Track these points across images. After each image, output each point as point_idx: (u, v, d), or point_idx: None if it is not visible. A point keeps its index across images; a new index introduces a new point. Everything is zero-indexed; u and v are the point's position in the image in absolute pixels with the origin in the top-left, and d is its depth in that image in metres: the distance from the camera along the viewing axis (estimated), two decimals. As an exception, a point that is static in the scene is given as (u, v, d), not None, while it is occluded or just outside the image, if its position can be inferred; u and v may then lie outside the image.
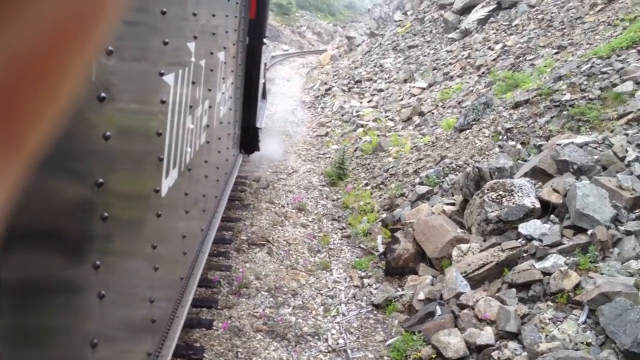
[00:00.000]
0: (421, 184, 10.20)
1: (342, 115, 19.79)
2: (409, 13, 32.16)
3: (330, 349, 6.68)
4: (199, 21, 4.10)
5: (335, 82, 25.65)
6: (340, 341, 6.84)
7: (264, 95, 14.11)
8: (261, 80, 11.51)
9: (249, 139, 10.29)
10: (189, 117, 4.01)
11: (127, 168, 2.69)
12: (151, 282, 3.39)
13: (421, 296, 7.20)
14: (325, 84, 26.51)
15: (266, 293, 7.62)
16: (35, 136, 0.36)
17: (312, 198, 11.90)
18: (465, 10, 23.33)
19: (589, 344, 5.57)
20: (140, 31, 2.64)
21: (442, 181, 10.00)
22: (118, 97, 2.30)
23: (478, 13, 21.91)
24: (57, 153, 1.69)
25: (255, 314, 7.07)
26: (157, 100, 3.04)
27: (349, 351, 6.65)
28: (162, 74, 3.03)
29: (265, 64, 13.91)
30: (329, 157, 15.16)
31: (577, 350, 5.50)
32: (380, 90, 21.69)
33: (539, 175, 8.14)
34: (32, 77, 0.35)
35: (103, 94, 2.05)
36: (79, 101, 1.81)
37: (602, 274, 6.23)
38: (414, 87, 19.56)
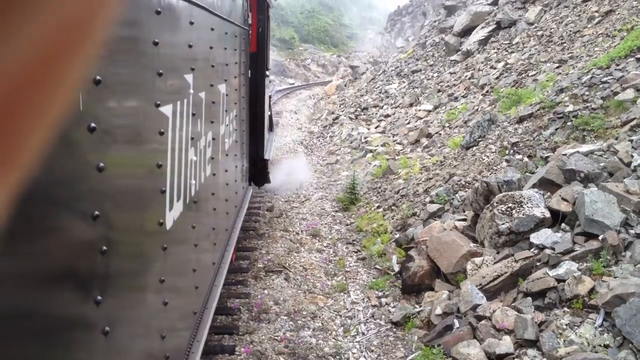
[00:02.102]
0: (432, 202, 10.34)
1: (351, 143, 20.02)
2: (410, 39, 32.66)
3: (352, 367, 6.77)
4: (195, 53, 4.10)
5: (342, 111, 25.94)
6: (362, 359, 6.93)
7: (271, 128, 14.27)
8: (267, 112, 11.62)
9: (258, 171, 10.37)
10: (192, 149, 3.99)
11: (125, 200, 2.62)
12: (161, 317, 3.29)
13: (438, 311, 7.29)
14: (333, 113, 26.81)
15: (285, 317, 7.73)
16: (20, 161, 0.36)
17: (325, 224, 12.04)
18: (466, 32, 23.66)
19: (606, 346, 5.63)
20: (131, 61, 2.61)
21: (452, 198, 10.13)
22: (110, 128, 2.25)
23: (478, 34, 22.21)
24: (48, 183, 1.67)
25: (276, 337, 7.18)
26: (154, 131, 3.01)
27: (370, 369, 6.74)
28: (158, 105, 3.00)
29: (270, 96, 14.13)
30: (340, 184, 15.34)
31: (596, 353, 5.57)
32: (387, 116, 21.94)
33: (547, 185, 8.25)
34: (18, 104, 0.35)
35: (93, 124, 2.00)
36: (67, 131, 1.81)
37: (615, 277, 6.30)
38: (420, 110, 19.81)
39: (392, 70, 27.92)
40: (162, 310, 3.28)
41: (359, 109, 24.84)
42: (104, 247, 2.17)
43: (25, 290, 1.61)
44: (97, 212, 2.07)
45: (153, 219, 3.08)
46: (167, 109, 3.20)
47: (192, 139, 3.97)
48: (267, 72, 10.51)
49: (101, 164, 2.10)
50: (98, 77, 2.02)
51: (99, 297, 2.11)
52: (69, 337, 1.98)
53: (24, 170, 0.36)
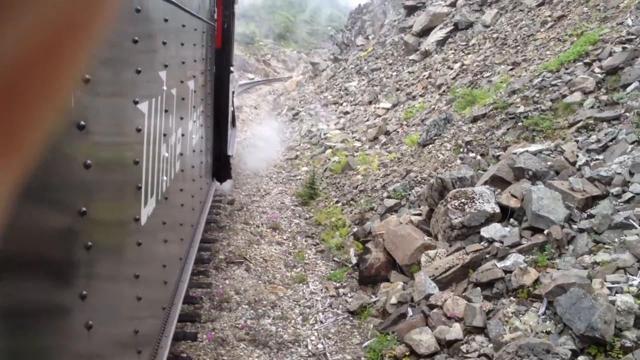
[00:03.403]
0: (389, 197, 10.70)
1: (311, 139, 20.31)
2: (370, 37, 32.96)
3: (310, 353, 7.07)
4: (168, 50, 4.11)
5: (302, 107, 26.19)
6: (320, 346, 7.23)
7: (233, 123, 14.36)
8: (230, 108, 11.71)
9: (220, 167, 10.38)
10: (164, 145, 4.01)
11: (108, 197, 2.67)
12: (135, 313, 3.35)
13: (393, 300, 7.63)
14: (293, 109, 27.04)
15: (246, 306, 7.98)
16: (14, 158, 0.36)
17: (285, 217, 12.31)
18: (424, 33, 24.10)
19: (548, 332, 6.03)
20: (115, 59, 2.63)
21: (409, 194, 10.50)
22: (97, 125, 2.28)
23: (436, 35, 22.68)
24: (39, 182, 1.70)
25: (237, 325, 7.42)
26: (133, 128, 3.04)
27: (328, 355, 7.03)
28: (136, 102, 3.04)
29: (233, 92, 14.20)
30: (300, 179, 15.63)
31: (539, 338, 5.96)
32: (347, 113, 22.27)
33: (497, 182, 8.67)
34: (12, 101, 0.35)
35: (82, 122, 2.02)
36: (60, 129, 1.82)
37: (558, 269, 6.71)
38: (378, 108, 20.18)
39: (352, 68, 28.28)
40: (136, 305, 3.32)
41: (318, 106, 25.14)
42: (89, 243, 2.20)
43: (18, 282, 1.64)
44: (84, 209, 2.12)
45: (131, 215, 3.12)
46: (143, 106, 3.24)
47: (164, 135, 4.01)
48: (232, 68, 10.62)
49: (88, 161, 2.14)
50: (87, 76, 2.04)
51: (84, 292, 2.15)
52: (53, 329, 2.01)
53: (20, 168, 0.36)
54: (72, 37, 0.38)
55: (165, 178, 4.15)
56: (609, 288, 6.04)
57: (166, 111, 4.05)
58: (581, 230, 7.15)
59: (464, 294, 7.14)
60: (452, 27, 22.23)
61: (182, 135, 5.14)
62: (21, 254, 1.64)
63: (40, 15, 0.36)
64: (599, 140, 8.67)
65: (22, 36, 0.35)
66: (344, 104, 23.86)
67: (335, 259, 9.85)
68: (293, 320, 7.81)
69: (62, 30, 0.37)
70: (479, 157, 10.41)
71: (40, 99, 0.37)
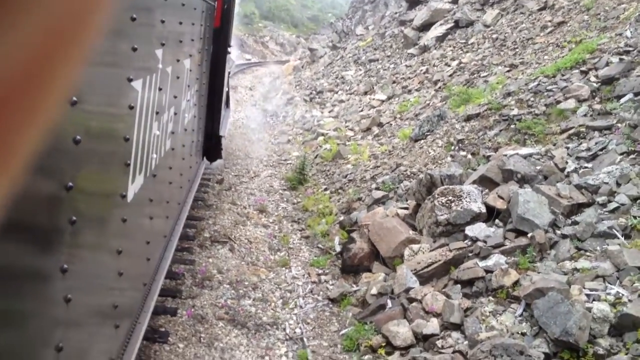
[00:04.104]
0: (377, 189, 10.75)
1: (304, 124, 20.32)
2: (370, 28, 32.93)
3: (287, 337, 7.13)
4: (166, 28, 4.12)
5: (298, 92, 26.20)
6: (297, 330, 7.30)
7: (227, 104, 14.33)
8: (225, 89, 11.66)
9: (212, 147, 10.39)
10: (156, 123, 4.02)
11: (95, 173, 2.68)
12: (116, 288, 3.37)
13: (374, 291, 7.70)
14: (288, 93, 27.01)
15: (228, 286, 8.02)
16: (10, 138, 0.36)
17: (273, 201, 12.34)
18: (425, 28, 24.11)
19: (523, 334, 6.12)
20: (110, 36, 2.61)
21: (397, 187, 10.55)
22: (88, 102, 2.28)
23: (437, 30, 22.69)
24: (30, 155, 1.82)
25: (217, 304, 7.46)
26: (125, 105, 3.04)
27: (305, 339, 7.10)
28: (130, 80, 3.04)
29: (229, 72, 14.14)
30: (290, 163, 15.64)
31: (514, 339, 6.05)
32: (341, 101, 22.29)
33: (486, 183, 8.74)
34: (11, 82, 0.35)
35: (74, 98, 2.02)
36: (51, 104, 1.96)
37: (538, 272, 6.80)
38: (373, 99, 20.20)
39: (349, 57, 28.27)
40: (117, 280, 3.34)
41: (314, 92, 25.14)
42: (74, 217, 2.21)
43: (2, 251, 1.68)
44: (70, 184, 2.13)
45: (117, 192, 3.13)
46: (137, 84, 3.24)
47: (157, 113, 4.02)
48: (229, 49, 10.59)
49: (77, 137, 2.14)
50: None
51: (65, 266, 2.16)
52: (33, 302, 2.03)
53: (18, 167, 0.37)
54: (70, 40, 0.38)
55: (155, 156, 4.15)
56: (587, 295, 6.13)
57: (160, 89, 4.06)
58: (564, 236, 7.24)
59: (443, 290, 7.22)
60: (452, 24, 22.25)
61: (175, 113, 5.16)
62: (4, 221, 1.66)
63: (39, 17, 0.36)
64: (589, 149, 8.75)
65: (20, 36, 0.35)
66: (340, 92, 23.86)
67: (320, 245, 9.90)
68: (273, 303, 7.87)
69: (62, 34, 0.38)
70: (469, 156, 10.47)
71: (36, 73, 0.37)
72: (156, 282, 5.13)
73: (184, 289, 7.59)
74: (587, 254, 6.83)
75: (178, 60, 5.03)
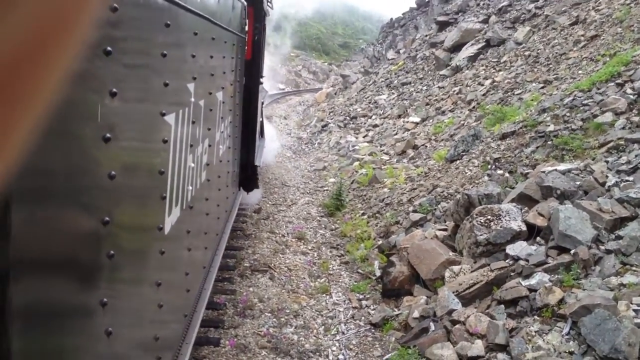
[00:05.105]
0: (415, 211, 10.71)
1: (339, 150, 20.40)
2: (401, 51, 33.06)
3: (331, 363, 7.11)
4: (197, 63, 4.16)
5: (332, 119, 26.33)
6: (340, 357, 7.26)
7: (261, 134, 14.49)
8: (259, 119, 11.78)
9: (248, 177, 10.45)
10: (190, 155, 4.04)
11: (132, 207, 2.71)
12: (156, 320, 3.39)
13: (416, 314, 7.64)
14: (322, 120, 27.19)
15: (269, 314, 8.04)
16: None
17: (311, 228, 12.37)
18: (456, 48, 24.12)
19: (571, 353, 5.99)
20: (142, 73, 2.70)
21: (435, 209, 10.49)
22: (122, 137, 2.31)
23: (468, 51, 22.68)
24: (66, 191, 1.78)
25: (259, 332, 7.49)
26: (159, 139, 3.08)
27: (348, 366, 7.07)
28: (163, 114, 3.07)
29: (263, 103, 14.31)
30: (327, 190, 15.69)
31: (561, 358, 5.93)
32: (375, 126, 22.34)
33: (525, 200, 8.63)
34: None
35: (108, 135, 2.08)
36: (85, 141, 1.94)
37: (584, 289, 6.67)
38: (407, 122, 20.22)
39: (382, 82, 28.37)
40: (157, 312, 3.34)
41: (348, 118, 25.26)
42: (112, 252, 2.24)
43: (41, 284, 1.68)
44: (107, 218, 2.16)
45: (154, 225, 3.15)
46: (170, 118, 3.27)
47: (191, 146, 4.05)
48: (261, 80, 10.73)
49: (112, 172, 2.18)
50: (114, 90, 2.10)
51: (105, 299, 2.18)
52: (73, 336, 2.04)
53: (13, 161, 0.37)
54: (63, 35, 0.39)
55: (190, 188, 4.17)
56: (635, 310, 5.98)
57: (193, 122, 4.09)
58: (608, 252, 7.09)
59: (487, 310, 7.12)
60: (483, 44, 22.23)
61: (209, 145, 5.20)
62: (44, 258, 1.69)
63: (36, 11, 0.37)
64: (629, 162, 8.58)
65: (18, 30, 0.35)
66: (373, 116, 23.93)
67: (359, 270, 9.88)
68: (315, 330, 7.85)
69: (55, 28, 0.38)
70: (506, 175, 10.37)
71: (34, 94, 0.38)
72: (197, 313, 5.19)
73: (225, 318, 7.65)
74: (633, 268, 6.68)
75: (210, 93, 5.08)
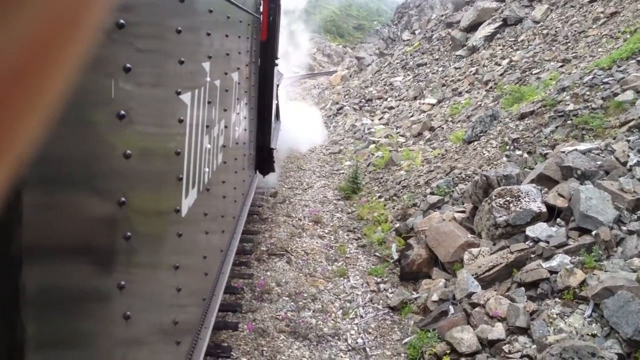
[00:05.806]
0: (432, 194, 10.60)
1: (354, 133, 20.28)
2: (416, 32, 32.75)
3: (349, 347, 7.07)
4: (212, 41, 4.08)
5: (347, 102, 26.17)
6: (359, 340, 7.23)
7: (277, 117, 14.39)
8: (274, 102, 11.68)
9: (264, 160, 10.34)
10: (206, 136, 3.98)
11: (148, 187, 2.65)
12: (175, 304, 3.35)
13: (435, 297, 7.57)
14: (337, 103, 27.05)
15: (287, 298, 8.02)
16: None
17: (327, 211, 12.32)
18: (472, 28, 23.83)
19: (594, 335, 5.91)
20: (157, 49, 2.62)
21: (453, 190, 10.39)
22: (137, 115, 2.25)
23: (484, 30, 22.39)
24: (80, 171, 1.74)
25: (277, 316, 7.47)
26: (175, 118, 3.02)
27: (367, 349, 7.03)
28: (179, 93, 3.00)
29: (278, 85, 14.21)
30: (343, 173, 15.62)
31: (584, 341, 5.84)
32: (391, 108, 22.18)
33: (544, 181, 8.51)
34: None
35: (122, 112, 2.01)
36: (99, 119, 1.88)
37: (606, 271, 6.56)
38: (423, 103, 20.04)
39: (397, 63, 28.13)
40: (176, 296, 3.31)
41: (363, 100, 25.09)
42: (128, 233, 2.19)
43: (57, 267, 1.67)
44: (123, 199, 2.10)
45: (171, 206, 3.09)
46: (186, 97, 3.20)
47: (207, 126, 4.00)
48: (277, 61, 10.62)
49: (128, 151, 2.12)
50: (128, 65, 2.03)
51: (122, 282, 2.14)
52: (91, 319, 2.01)
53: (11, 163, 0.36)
54: (75, 26, 0.38)
55: (207, 169, 4.13)
56: (659, 292, 5.89)
57: (209, 102, 4.03)
58: (631, 232, 6.98)
59: (507, 293, 7.03)
60: (500, 23, 21.92)
61: (225, 127, 5.14)
62: (60, 242, 1.66)
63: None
64: (651, 141, 8.43)
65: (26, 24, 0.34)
66: (389, 99, 23.76)
67: (377, 254, 9.82)
68: (333, 314, 7.83)
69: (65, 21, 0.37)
70: (525, 155, 10.22)
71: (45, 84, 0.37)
72: (215, 297, 5.16)
73: (243, 303, 7.64)
74: (657, 249, 6.56)
75: (226, 74, 5.01)
